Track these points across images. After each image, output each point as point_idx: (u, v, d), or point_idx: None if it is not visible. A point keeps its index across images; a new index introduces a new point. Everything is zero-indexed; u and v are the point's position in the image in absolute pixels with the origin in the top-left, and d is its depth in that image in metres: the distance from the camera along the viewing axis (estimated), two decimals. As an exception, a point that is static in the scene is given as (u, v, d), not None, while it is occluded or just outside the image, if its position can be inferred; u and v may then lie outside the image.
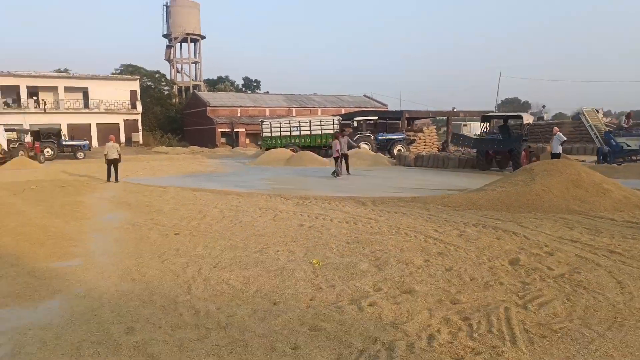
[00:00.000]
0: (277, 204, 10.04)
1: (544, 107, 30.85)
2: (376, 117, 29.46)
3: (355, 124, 27.79)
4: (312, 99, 65.80)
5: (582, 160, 21.03)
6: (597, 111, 21.06)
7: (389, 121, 32.34)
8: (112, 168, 15.69)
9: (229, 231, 7.34)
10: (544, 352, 3.16)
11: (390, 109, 59.51)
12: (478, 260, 5.38)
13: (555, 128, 15.80)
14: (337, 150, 16.32)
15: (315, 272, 5.06)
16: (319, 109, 61.30)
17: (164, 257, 5.90)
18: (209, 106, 54.82)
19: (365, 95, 71.09)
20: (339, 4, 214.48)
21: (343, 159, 16.69)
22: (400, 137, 28.01)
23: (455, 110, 34.03)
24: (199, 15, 78.72)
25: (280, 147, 27.17)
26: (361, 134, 27.16)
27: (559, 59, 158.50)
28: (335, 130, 27.62)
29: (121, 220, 8.60)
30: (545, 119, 34.81)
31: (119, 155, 16.00)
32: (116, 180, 15.61)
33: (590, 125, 19.22)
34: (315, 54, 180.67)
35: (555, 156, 14.39)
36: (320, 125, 27.76)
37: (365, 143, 26.78)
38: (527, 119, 20.62)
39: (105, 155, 15.81)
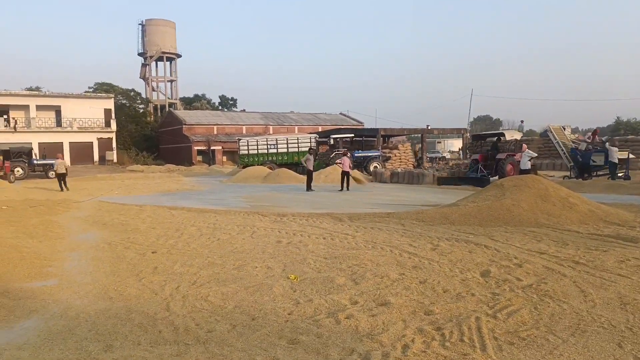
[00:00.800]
0: (255, 221, 10.10)
1: (522, 122, 31.77)
2: (352, 135, 29.89)
3: (331, 141, 28.10)
4: (289, 117, 66.20)
5: (551, 176, 21.75)
6: (564, 128, 21.90)
7: (365, 139, 32.84)
8: (61, 181, 19.55)
9: (207, 249, 7.37)
10: (512, 358, 3.32)
11: (366, 126, 60.34)
12: (451, 272, 5.56)
13: (524, 145, 16.40)
14: (349, 166, 18.12)
15: (293, 287, 5.15)
16: (296, 127, 61.66)
17: (142, 275, 5.90)
18: (185, 124, 54.58)
19: (341, 113, 71.88)
20: (315, 24, 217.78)
21: (346, 177, 17.63)
22: (376, 154, 28.44)
23: (429, 127, 34.78)
24: (175, 34, 78.68)
25: (258, 165, 27.24)
26: (338, 151, 27.46)
27: (528, 79, 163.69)
28: (310, 148, 27.91)
29: (97, 240, 8.52)
30: (513, 136, 35.87)
31: (66, 170, 20.16)
32: (66, 189, 19.46)
33: (557, 142, 19.94)
34: (292, 73, 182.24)
35: (525, 172, 14.88)
36: (297, 142, 28.01)
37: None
38: (512, 135, 21.57)
39: (55, 170, 20.25)
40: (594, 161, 18.65)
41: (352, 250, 6.84)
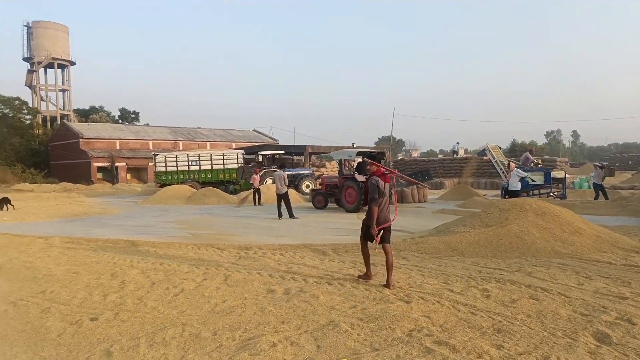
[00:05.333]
0: (214, 257, 7.89)
1: (457, 143, 32.30)
2: (282, 152, 28.06)
3: (260, 158, 26.02)
4: (200, 133, 62.68)
5: (484, 195, 21.76)
6: (500, 147, 22.12)
7: (287, 157, 31.07)
8: None
9: (174, 308, 5.12)
10: None
11: (281, 143, 58.78)
12: (554, 338, 4.02)
13: (512, 164, 15.61)
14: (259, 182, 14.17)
15: (363, 384, 3.25)
16: (208, 143, 58.41)
17: (91, 371, 3.59)
18: (83, 138, 48.99)
19: (255, 130, 69.77)
20: (214, 36, 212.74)
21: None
22: (308, 172, 26.88)
23: (354, 145, 34.10)
24: (68, 39, 71.56)
25: (178, 183, 24.27)
26: (268, 168, 25.45)
27: (439, 100, 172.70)
28: (239, 165, 25.61)
29: (-8, 297, 5.79)
30: (459, 154, 36.46)
31: None
32: None
33: (496, 161, 19.91)
34: (198, 87, 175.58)
35: (514, 193, 14.06)
36: (223, 159, 25.53)
37: (272, 178, 25.07)
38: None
39: None
40: (533, 180, 18.72)
41: (383, 304, 5.04)
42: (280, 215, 14.12)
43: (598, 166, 19.48)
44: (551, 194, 19.11)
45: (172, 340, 4.16)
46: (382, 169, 6.11)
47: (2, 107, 54.53)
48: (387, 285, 5.73)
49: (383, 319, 4.52)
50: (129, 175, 49.88)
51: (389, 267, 5.81)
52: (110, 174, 47.03)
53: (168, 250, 8.68)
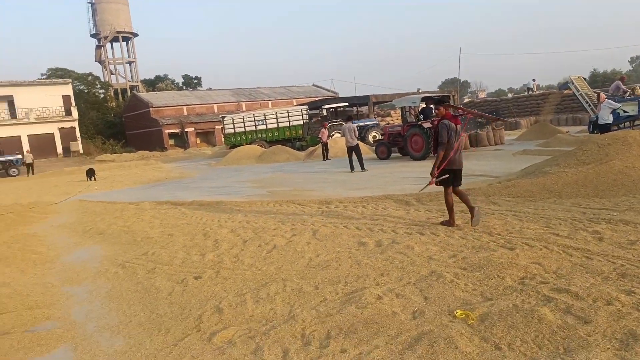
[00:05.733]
0: (297, 213, 7.93)
1: (533, 80, 30.13)
2: (346, 104, 27.60)
3: (324, 112, 25.79)
4: (261, 92, 63.11)
5: (567, 131, 20.25)
6: (585, 79, 20.32)
7: (349, 109, 30.48)
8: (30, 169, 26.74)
9: (271, 264, 5.19)
10: None
11: (341, 96, 58.01)
12: (692, 280, 3.60)
13: (602, 95, 14.27)
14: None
15: (483, 336, 3.08)
16: (269, 102, 58.82)
17: (207, 327, 3.71)
18: (152, 107, 50.99)
19: (314, 85, 69.14)
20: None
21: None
22: (374, 122, 26.35)
23: (420, 90, 32.83)
24: (129, 11, 73.48)
25: (246, 144, 24.76)
26: (333, 122, 25.22)
27: (504, 38, 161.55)
28: (304, 121, 25.59)
29: (101, 260, 6.21)
30: (535, 91, 34.07)
31: (33, 160, 27.43)
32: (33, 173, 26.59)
33: (581, 94, 18.33)
34: (254, 48, 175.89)
35: (605, 127, 12.90)
36: (288, 116, 25.59)
37: (339, 132, 24.87)
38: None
39: (24, 161, 27.17)
40: (625, 111, 17.08)
41: (485, 252, 4.78)
42: (352, 168, 13.97)
43: None
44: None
45: (277, 296, 4.21)
46: (450, 111, 6.03)
47: (78, 84, 57.81)
48: (448, 223, 6.01)
49: (489, 268, 4.29)
50: (198, 140, 51.66)
51: (467, 202, 5.95)
52: (181, 140, 48.97)
53: (251, 208, 8.86)
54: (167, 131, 49.61)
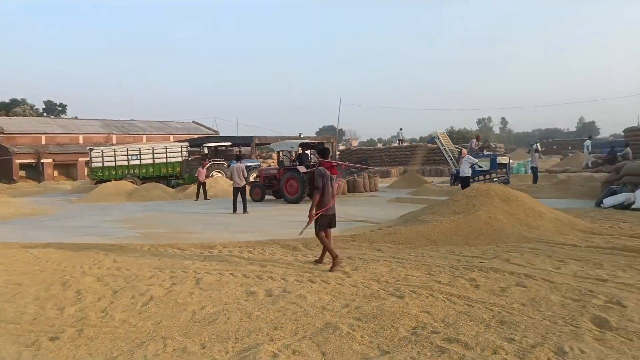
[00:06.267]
0: (176, 259, 7.30)
1: (401, 129, 32.59)
2: (229, 143, 27.16)
3: (205, 150, 25.03)
4: (135, 125, 59.60)
5: (431, 182, 22.27)
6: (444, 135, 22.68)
7: (230, 149, 30.05)
8: None
9: (148, 319, 4.58)
10: None
11: (224, 134, 57.18)
12: (557, 326, 3.95)
13: (464, 150, 15.92)
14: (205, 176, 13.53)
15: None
16: (144, 136, 55.65)
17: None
18: (3, 133, 45.05)
19: (194, 122, 67.42)
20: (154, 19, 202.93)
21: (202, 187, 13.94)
22: (256, 164, 26.24)
23: (302, 135, 33.78)
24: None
25: (116, 179, 22.81)
26: (213, 161, 24.54)
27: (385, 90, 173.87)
28: (184, 158, 24.53)
29: None
30: (403, 140, 36.75)
31: None
32: None
33: (445, 149, 20.37)
34: (128, 76, 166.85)
35: (465, 180, 14.33)
36: (166, 152, 24.28)
37: (219, 172, 24.26)
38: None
39: None
40: (480, 166, 19.33)
41: (377, 301, 4.79)
42: (235, 209, 13.56)
43: (534, 150, 20.48)
44: (495, 179, 19.86)
45: (155, 358, 3.68)
46: (328, 162, 6.64)
47: None
48: (319, 260, 6.53)
49: (382, 317, 4.27)
50: (55, 172, 46.49)
51: (327, 247, 6.34)
52: (35, 172, 43.62)
53: (122, 253, 7.96)
54: (18, 161, 43.90)
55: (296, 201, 15.90)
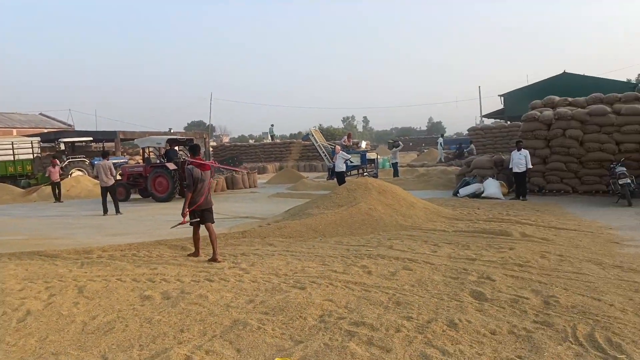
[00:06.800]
0: (48, 268, 6.54)
1: (272, 125, 32.57)
2: (90, 138, 24.73)
3: (62, 146, 22.52)
4: (-35, 117, 51.01)
5: (307, 177, 23.03)
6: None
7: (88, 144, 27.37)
8: None
9: (31, 336, 4.07)
10: None
11: (80, 129, 51.83)
12: (445, 302, 4.48)
13: (338, 147, 16.52)
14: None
15: (308, 380, 3.11)
16: (-23, 130, 47.93)
17: None
18: None
19: (42, 114, 60.00)
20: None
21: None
22: (123, 160, 24.32)
23: (172, 130, 32.22)
24: None
25: (-52, 181, 19.37)
26: (72, 158, 22.20)
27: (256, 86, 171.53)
28: (35, 155, 21.77)
29: None
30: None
31: None
32: None
33: (319, 145, 21.16)
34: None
35: (340, 174, 15.00)
36: (13, 148, 21.28)
37: (80, 169, 22.03)
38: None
39: None
40: (351, 161, 20.49)
41: (280, 294, 4.90)
42: (105, 210, 12.51)
43: (394, 146, 22.40)
44: (365, 174, 21.24)
45: (50, 377, 3.32)
46: (199, 160, 6.86)
47: None
48: (214, 258, 6.48)
49: (289, 309, 4.40)
50: None
51: (213, 242, 6.60)
52: None
53: (-24, 264, 6.87)
54: None
55: (167, 199, 15.29)
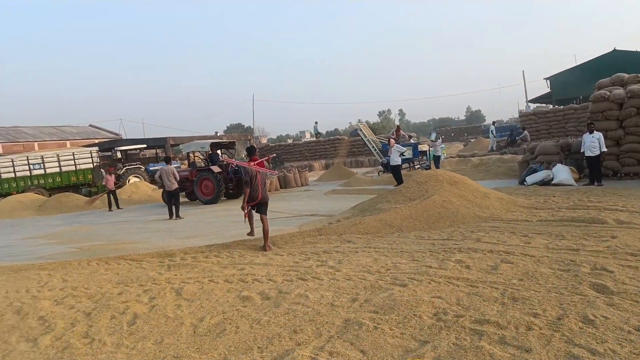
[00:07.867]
0: (137, 271, 6.67)
1: (316, 123, 32.61)
2: (144, 145, 25.49)
3: (118, 154, 23.28)
4: (23, 132, 53.87)
5: (356, 173, 22.82)
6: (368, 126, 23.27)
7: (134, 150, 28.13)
8: None
9: (146, 340, 4.11)
10: None
11: (129, 137, 53.62)
12: (567, 296, 4.20)
13: (392, 140, 16.38)
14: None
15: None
16: (35, 143, 50.57)
17: None
18: None
19: (91, 125, 62.55)
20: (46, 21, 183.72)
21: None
22: (176, 165, 24.90)
23: (218, 134, 32.74)
24: None
25: (18, 192, 20.41)
26: (129, 165, 22.91)
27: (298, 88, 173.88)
28: (95, 164, 22.60)
29: None
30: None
31: None
32: None
33: (368, 140, 20.89)
34: (10, 77, 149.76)
35: (396, 168, 14.80)
36: (74, 159, 22.16)
37: (136, 176, 22.71)
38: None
39: None
40: (403, 155, 20.13)
41: (383, 292, 4.74)
42: (171, 214, 12.77)
43: (434, 139, 21.84)
44: (417, 166, 20.85)
45: (181, 381, 3.30)
46: (255, 159, 7.50)
47: None
48: (264, 248, 7.20)
49: (399, 308, 4.23)
50: None
51: (266, 233, 7.33)
52: None
53: (67, 270, 7.10)
54: None
55: (213, 201, 15.60)
